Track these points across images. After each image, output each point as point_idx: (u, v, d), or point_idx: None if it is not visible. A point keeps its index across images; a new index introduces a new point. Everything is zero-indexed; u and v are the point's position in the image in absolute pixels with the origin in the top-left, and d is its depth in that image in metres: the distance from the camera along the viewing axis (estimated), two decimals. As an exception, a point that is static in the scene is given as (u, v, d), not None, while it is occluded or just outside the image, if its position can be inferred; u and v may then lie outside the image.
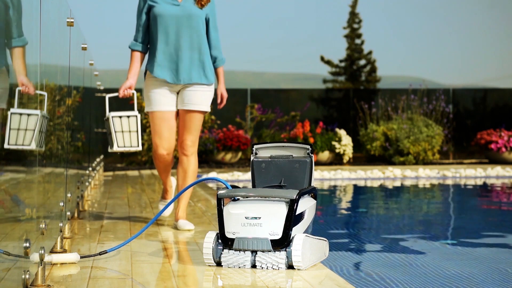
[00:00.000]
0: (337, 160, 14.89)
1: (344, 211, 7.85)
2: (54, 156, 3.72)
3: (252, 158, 3.99)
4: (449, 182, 11.27)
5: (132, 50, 4.76)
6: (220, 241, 3.49)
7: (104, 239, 4.38)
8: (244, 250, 3.44)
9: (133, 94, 4.69)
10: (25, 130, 2.62)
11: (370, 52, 31.29)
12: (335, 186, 10.65)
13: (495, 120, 16.67)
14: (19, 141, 2.54)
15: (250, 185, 4.12)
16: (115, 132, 4.69)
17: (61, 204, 3.95)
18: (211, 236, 3.49)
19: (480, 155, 16.15)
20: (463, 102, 16.96)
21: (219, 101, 4.86)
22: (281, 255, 3.40)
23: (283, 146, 3.97)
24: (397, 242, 5.50)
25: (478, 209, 8.22)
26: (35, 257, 2.87)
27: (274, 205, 3.49)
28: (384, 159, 15.10)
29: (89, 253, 3.79)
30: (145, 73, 4.78)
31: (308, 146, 3.94)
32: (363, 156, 15.50)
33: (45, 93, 3.05)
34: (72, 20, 4.45)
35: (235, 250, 3.45)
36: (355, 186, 10.75)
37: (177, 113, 4.77)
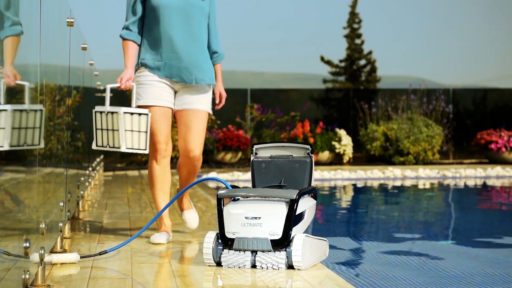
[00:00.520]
0: (337, 160, 14.89)
1: (344, 211, 7.85)
2: (54, 156, 3.72)
3: (252, 158, 3.99)
4: (449, 182, 11.27)
5: (125, 40, 4.23)
6: (220, 241, 3.49)
7: (104, 239, 4.38)
8: (244, 250, 3.44)
9: (133, 86, 4.20)
10: None
11: (370, 52, 31.29)
12: (335, 186, 10.65)
13: (495, 120, 16.67)
14: None
15: (250, 185, 4.11)
16: (124, 130, 4.04)
17: (61, 204, 3.95)
18: (211, 236, 3.49)
19: (480, 155, 16.15)
20: (463, 102, 16.96)
21: (217, 101, 4.45)
22: (281, 255, 3.40)
23: (283, 146, 3.97)
24: (397, 242, 5.50)
25: (478, 209, 8.22)
26: (35, 257, 2.86)
27: (274, 205, 3.49)
28: (384, 159, 15.10)
29: (89, 253, 3.79)
30: (136, 68, 4.30)
31: (308, 146, 3.94)
32: (363, 156, 15.50)
33: (25, 83, 2.68)
34: (72, 20, 4.45)
35: (235, 250, 3.45)
36: (355, 186, 10.75)
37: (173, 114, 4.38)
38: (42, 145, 3.02)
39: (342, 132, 14.83)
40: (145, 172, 12.08)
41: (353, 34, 31.24)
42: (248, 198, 3.64)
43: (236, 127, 14.81)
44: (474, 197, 9.54)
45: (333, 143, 14.60)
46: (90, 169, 7.67)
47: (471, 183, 11.12)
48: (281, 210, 3.46)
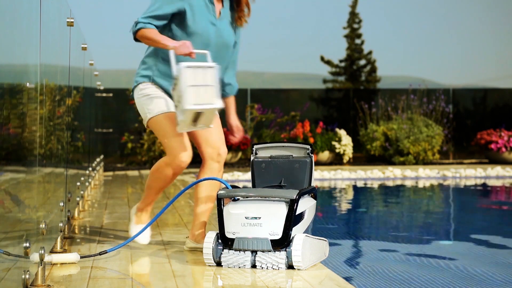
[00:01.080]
0: (337, 160, 14.89)
1: (344, 211, 7.85)
2: (54, 156, 3.72)
3: (252, 158, 3.99)
4: (449, 182, 11.27)
5: (146, 29, 3.71)
6: (220, 241, 3.49)
7: (104, 239, 4.38)
8: (244, 250, 3.44)
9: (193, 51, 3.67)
10: None
11: (370, 52, 31.31)
12: (335, 186, 10.65)
13: (495, 120, 16.67)
14: None
15: (250, 185, 4.11)
16: (186, 86, 3.55)
17: (61, 204, 3.95)
18: (211, 236, 3.49)
19: (480, 155, 16.15)
20: (463, 102, 16.95)
21: (236, 135, 4.10)
22: (281, 255, 3.40)
23: (283, 146, 3.97)
24: (397, 241, 5.50)
25: (478, 209, 8.22)
26: (35, 257, 2.87)
27: (274, 205, 3.49)
28: (384, 159, 15.10)
29: (89, 253, 3.79)
30: (138, 83, 3.90)
31: (308, 146, 3.94)
32: (363, 156, 15.50)
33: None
34: (72, 20, 4.45)
35: (235, 250, 3.45)
36: (355, 186, 10.75)
37: None
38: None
39: (342, 132, 14.83)
40: (145, 172, 12.07)
41: (353, 34, 31.26)
42: (248, 198, 3.64)
43: (236, 127, 14.80)
44: (474, 197, 9.54)
45: (333, 143, 14.59)
46: (90, 169, 7.67)
47: (471, 183, 11.12)
48: (281, 210, 3.46)
